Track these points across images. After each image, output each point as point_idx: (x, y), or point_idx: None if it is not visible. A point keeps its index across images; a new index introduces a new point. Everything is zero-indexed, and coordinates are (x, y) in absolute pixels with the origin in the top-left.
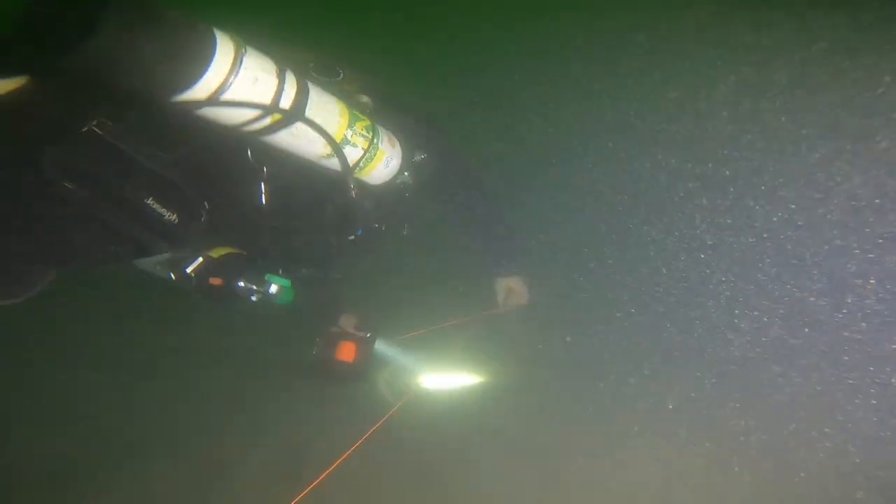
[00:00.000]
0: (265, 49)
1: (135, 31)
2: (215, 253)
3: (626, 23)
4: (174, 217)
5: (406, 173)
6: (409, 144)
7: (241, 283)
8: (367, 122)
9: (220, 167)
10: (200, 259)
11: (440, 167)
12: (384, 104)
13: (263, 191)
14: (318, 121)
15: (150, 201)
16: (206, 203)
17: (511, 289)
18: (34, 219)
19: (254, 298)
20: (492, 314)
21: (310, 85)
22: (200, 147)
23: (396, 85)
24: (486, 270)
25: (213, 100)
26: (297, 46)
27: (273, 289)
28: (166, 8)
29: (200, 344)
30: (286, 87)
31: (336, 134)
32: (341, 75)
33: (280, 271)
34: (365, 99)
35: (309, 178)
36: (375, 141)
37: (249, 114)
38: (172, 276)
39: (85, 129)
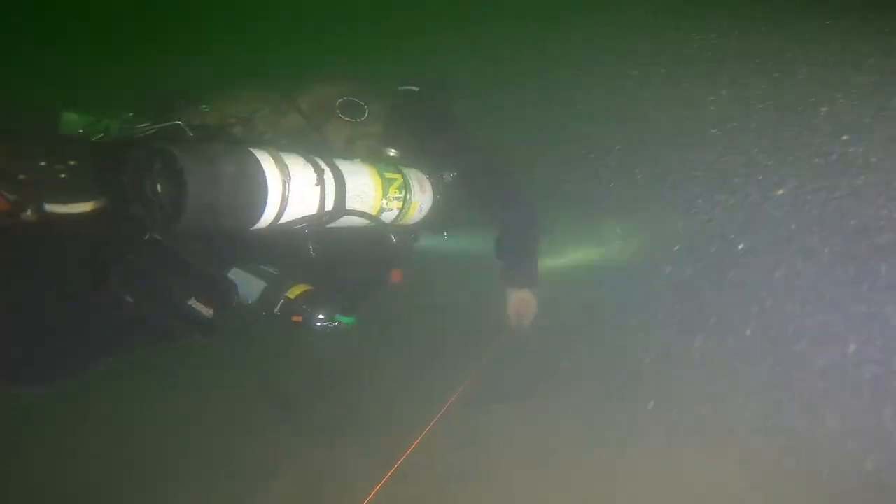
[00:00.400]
0: (303, 154)
1: (216, 192)
2: (291, 294)
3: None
4: (210, 312)
5: (438, 196)
6: (437, 175)
7: (318, 322)
8: (399, 181)
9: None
10: (282, 301)
11: (471, 180)
12: (407, 148)
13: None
14: (357, 206)
15: (192, 302)
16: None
17: (523, 300)
18: (92, 323)
19: (327, 331)
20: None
21: (344, 174)
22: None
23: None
24: (504, 280)
25: (273, 226)
26: (324, 86)
27: (341, 323)
28: (216, 147)
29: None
30: (327, 191)
31: (374, 208)
32: (366, 113)
33: (343, 307)
34: (392, 152)
35: (355, 237)
36: (408, 197)
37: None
38: (263, 312)
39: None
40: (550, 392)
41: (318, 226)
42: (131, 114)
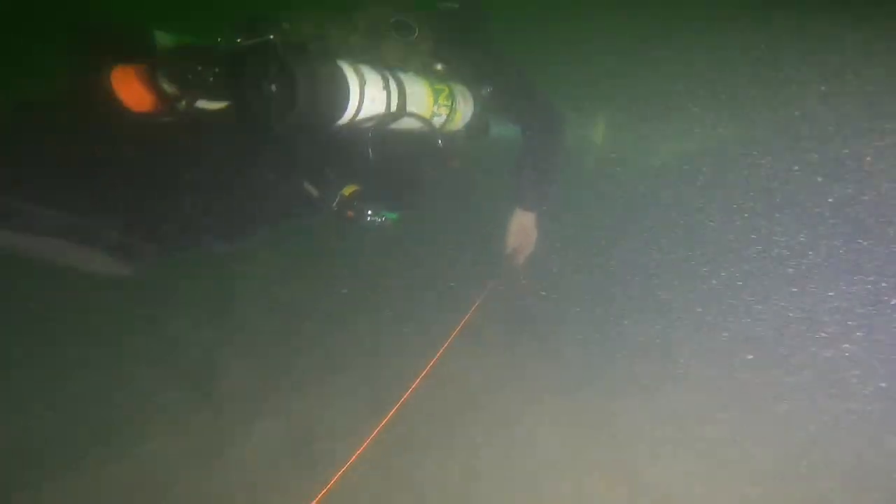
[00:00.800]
0: (373, 65)
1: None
2: (346, 191)
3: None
4: (317, 193)
5: (478, 108)
6: (477, 89)
7: (368, 216)
8: (446, 92)
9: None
10: (339, 198)
11: (505, 94)
12: (452, 63)
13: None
14: (414, 109)
15: (306, 184)
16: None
17: (522, 226)
18: (257, 199)
19: (374, 225)
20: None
21: (404, 83)
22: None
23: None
24: (515, 197)
25: (353, 122)
26: (377, 7)
27: (386, 218)
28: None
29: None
30: (391, 95)
31: (426, 113)
32: (416, 32)
33: (389, 204)
34: (439, 66)
35: (408, 139)
36: (454, 105)
37: (371, 122)
38: (316, 206)
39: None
40: (539, 337)
41: (381, 125)
42: (219, 38)
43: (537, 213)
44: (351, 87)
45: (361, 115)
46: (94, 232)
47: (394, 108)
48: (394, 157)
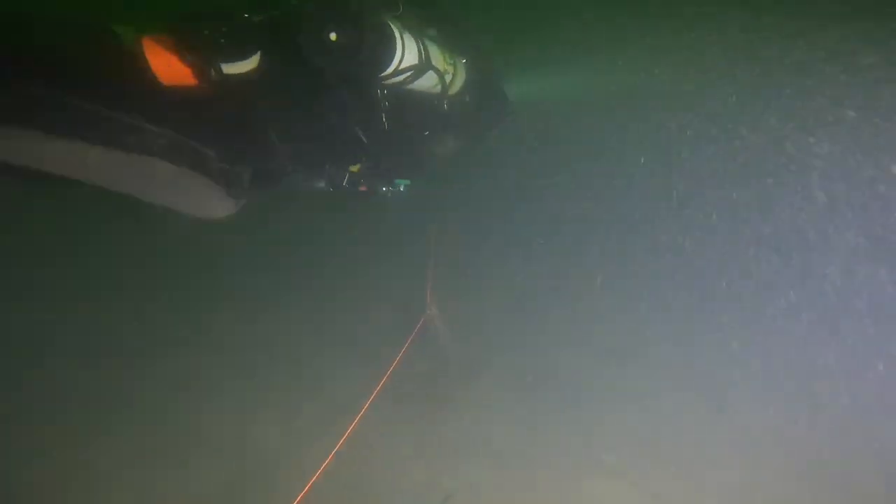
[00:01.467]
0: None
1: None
2: (353, 168)
3: None
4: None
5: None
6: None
7: (382, 187)
8: (447, 52)
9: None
10: (347, 175)
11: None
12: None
13: (384, 119)
14: (434, 63)
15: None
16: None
17: None
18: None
19: (389, 194)
20: None
21: (424, 39)
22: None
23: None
24: None
25: (396, 71)
26: None
27: (401, 187)
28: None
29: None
30: (423, 50)
31: (441, 67)
32: (400, 9)
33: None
34: (432, 32)
35: (415, 106)
36: (456, 64)
37: (405, 75)
38: (331, 189)
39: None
40: None
41: (412, 79)
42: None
43: None
44: (396, 39)
45: (403, 65)
46: (203, 155)
47: (423, 58)
48: (405, 123)
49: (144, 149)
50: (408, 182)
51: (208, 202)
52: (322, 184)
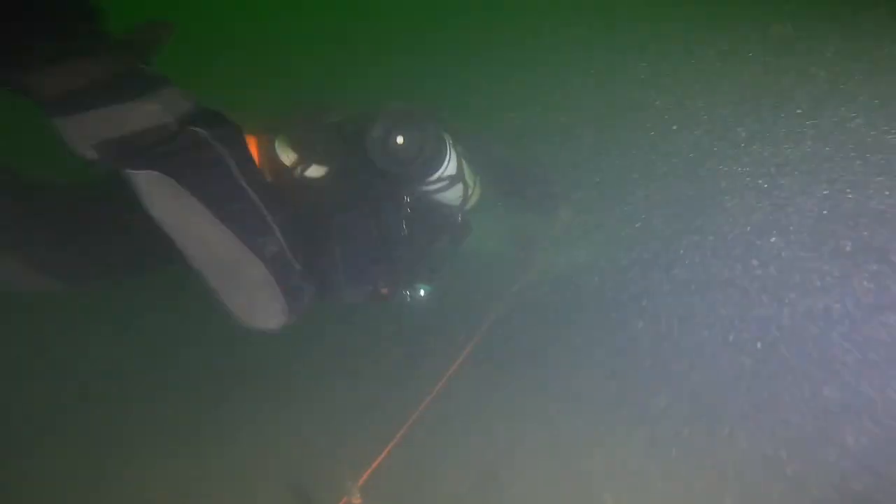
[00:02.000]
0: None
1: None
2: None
3: None
4: None
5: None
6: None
7: (406, 293)
8: (469, 167)
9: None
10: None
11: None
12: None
13: (405, 226)
14: (466, 178)
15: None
16: None
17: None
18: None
19: (409, 299)
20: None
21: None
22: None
23: None
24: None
25: (439, 178)
26: None
27: (422, 292)
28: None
29: None
30: (461, 162)
31: (470, 182)
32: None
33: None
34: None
35: (434, 217)
36: (476, 180)
37: (444, 183)
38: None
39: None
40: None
41: (443, 189)
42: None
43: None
44: (448, 148)
45: (446, 173)
46: (291, 269)
47: (460, 171)
48: (423, 229)
49: (256, 249)
50: (430, 288)
51: (267, 313)
52: (366, 295)
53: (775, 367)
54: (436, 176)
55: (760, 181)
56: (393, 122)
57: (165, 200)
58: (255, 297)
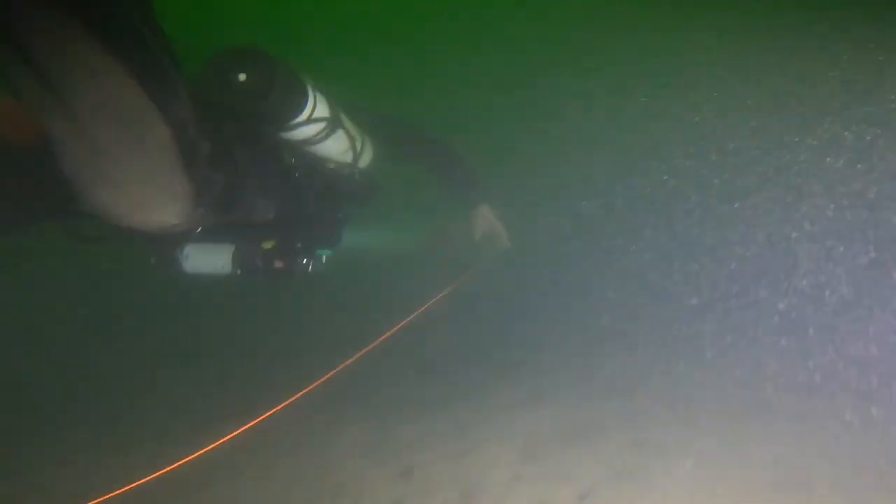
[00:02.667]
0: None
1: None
2: (266, 245)
3: None
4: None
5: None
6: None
7: (302, 260)
8: (358, 127)
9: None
10: (260, 253)
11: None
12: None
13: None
14: (346, 125)
15: None
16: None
17: (487, 217)
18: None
19: (310, 269)
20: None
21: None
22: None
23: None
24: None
25: (310, 119)
26: None
27: (323, 259)
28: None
29: None
30: (332, 104)
31: (353, 132)
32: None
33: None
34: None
35: (326, 176)
36: (364, 137)
37: (317, 127)
38: (239, 271)
39: None
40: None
41: (320, 138)
42: None
43: (489, 205)
44: (308, 89)
45: (315, 115)
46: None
47: (336, 116)
48: (318, 191)
49: (163, 105)
50: (329, 252)
51: (166, 197)
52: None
53: None
54: (304, 115)
55: None
56: (231, 61)
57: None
58: (152, 173)
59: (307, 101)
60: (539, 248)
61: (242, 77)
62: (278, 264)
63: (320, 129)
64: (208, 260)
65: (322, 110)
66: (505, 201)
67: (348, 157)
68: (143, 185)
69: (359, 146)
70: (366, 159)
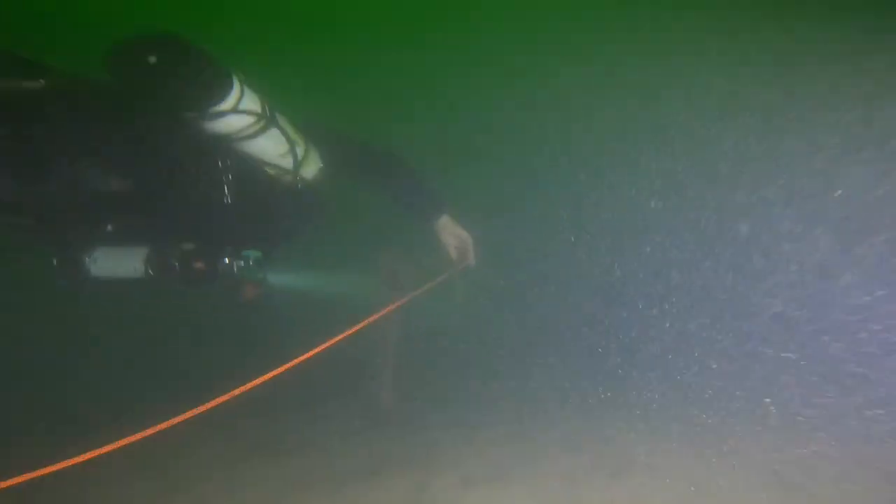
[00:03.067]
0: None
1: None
2: (186, 246)
3: None
4: None
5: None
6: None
7: (226, 259)
8: (301, 134)
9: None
10: (179, 252)
11: (344, 159)
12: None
13: (227, 192)
14: (282, 124)
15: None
16: None
17: (451, 228)
18: None
19: (235, 270)
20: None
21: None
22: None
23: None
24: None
25: (235, 109)
26: None
27: (250, 259)
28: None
29: None
30: (264, 102)
31: (290, 132)
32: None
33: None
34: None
35: (258, 173)
36: (309, 145)
37: (246, 120)
38: (153, 272)
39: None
40: None
41: (252, 134)
42: None
43: (450, 217)
44: (234, 77)
45: (242, 107)
46: None
47: (268, 113)
48: (238, 185)
49: None
50: (259, 254)
51: None
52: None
53: None
54: (227, 104)
55: None
56: (141, 44)
57: None
58: None
59: (230, 90)
60: (512, 261)
61: (153, 59)
62: (198, 265)
63: (250, 123)
64: (118, 263)
65: (251, 104)
66: (474, 209)
67: (287, 163)
68: None
69: (300, 152)
70: (310, 170)
